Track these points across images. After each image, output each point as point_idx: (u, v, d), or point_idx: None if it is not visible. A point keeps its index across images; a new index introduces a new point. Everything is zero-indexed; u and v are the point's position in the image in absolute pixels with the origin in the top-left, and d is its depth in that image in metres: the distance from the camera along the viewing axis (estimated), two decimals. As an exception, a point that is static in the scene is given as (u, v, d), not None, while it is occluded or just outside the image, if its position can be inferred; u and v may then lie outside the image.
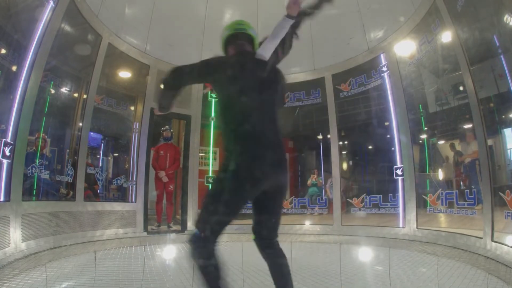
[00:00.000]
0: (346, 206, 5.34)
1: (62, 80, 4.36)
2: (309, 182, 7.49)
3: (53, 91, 4.22)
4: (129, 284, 2.46)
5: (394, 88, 4.73)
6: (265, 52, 1.98)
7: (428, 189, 4.71)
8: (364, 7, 4.84)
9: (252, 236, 1.73)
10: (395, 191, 4.67)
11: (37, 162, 3.83)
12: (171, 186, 5.46)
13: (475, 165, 4.10)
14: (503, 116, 3.97)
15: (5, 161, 3.12)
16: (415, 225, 4.24)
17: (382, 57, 4.95)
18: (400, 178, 4.57)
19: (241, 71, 1.70)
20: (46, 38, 3.51)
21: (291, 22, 1.96)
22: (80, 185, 4.27)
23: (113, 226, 4.59)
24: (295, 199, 5.67)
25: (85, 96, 4.48)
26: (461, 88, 4.82)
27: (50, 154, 4.37)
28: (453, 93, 5.28)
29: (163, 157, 5.40)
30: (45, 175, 3.92)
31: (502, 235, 3.02)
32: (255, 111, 1.60)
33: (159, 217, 5.33)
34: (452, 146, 5.26)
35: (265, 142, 1.54)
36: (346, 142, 8.23)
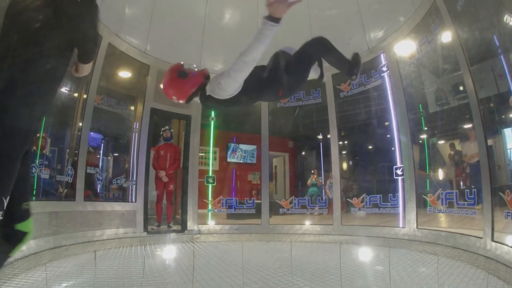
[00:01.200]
0: (346, 206, 5.34)
1: (62, 80, 4.35)
2: (309, 182, 7.50)
3: (53, 91, 4.21)
4: (129, 284, 2.46)
5: (394, 88, 4.73)
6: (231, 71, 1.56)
7: (428, 189, 4.71)
8: (364, 7, 4.84)
9: None
10: (395, 191, 4.67)
11: (37, 162, 3.84)
12: (171, 186, 5.46)
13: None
14: (503, 116, 3.97)
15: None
16: (415, 225, 4.24)
17: (382, 57, 4.95)
18: (400, 178, 4.57)
19: None
20: (46, 38, 3.51)
21: (274, 27, 1.47)
22: (80, 185, 4.27)
23: (113, 226, 4.59)
24: (295, 199, 5.67)
25: (85, 96, 4.48)
26: (461, 88, 4.82)
27: (50, 154, 4.37)
28: (453, 93, 5.28)
29: (163, 157, 5.40)
30: (45, 175, 3.93)
31: (502, 235, 3.02)
32: None
33: (159, 217, 5.33)
34: (452, 146, 5.25)
35: None
36: (346, 142, 8.23)
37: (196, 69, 1.81)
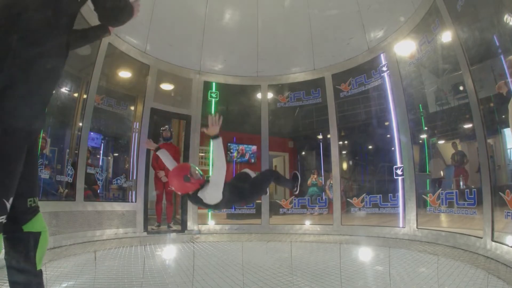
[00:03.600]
0: (346, 206, 5.34)
1: (62, 80, 4.36)
2: (309, 182, 7.49)
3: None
4: (129, 284, 2.46)
5: (394, 88, 4.73)
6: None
7: (428, 189, 4.71)
8: (364, 7, 4.84)
9: None
10: (395, 191, 4.67)
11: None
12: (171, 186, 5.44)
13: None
14: (503, 116, 3.97)
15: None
16: (415, 225, 4.24)
17: (382, 57, 4.95)
18: (400, 178, 4.57)
19: None
20: (46, 38, 3.51)
21: (215, 141, 2.18)
22: (80, 185, 4.27)
23: (113, 226, 4.59)
24: (295, 199, 5.67)
25: (85, 96, 4.48)
26: (461, 88, 4.82)
27: (50, 154, 4.37)
28: (453, 93, 5.28)
29: (163, 157, 5.39)
30: (45, 175, 3.93)
31: (502, 235, 3.02)
32: None
33: (159, 217, 5.33)
34: (454, 146, 5.25)
35: None
36: (346, 142, 8.23)
37: (198, 175, 2.38)
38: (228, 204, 2.54)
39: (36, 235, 1.27)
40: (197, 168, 2.42)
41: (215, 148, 2.22)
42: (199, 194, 2.30)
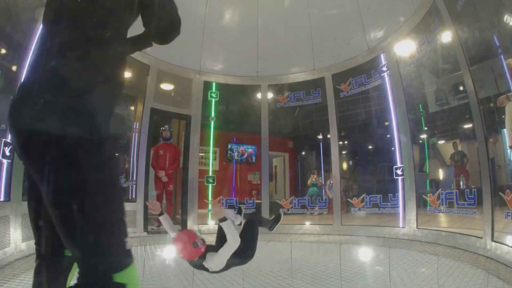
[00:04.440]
0: (346, 206, 5.34)
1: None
2: (309, 182, 7.49)
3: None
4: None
5: (394, 88, 4.73)
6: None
7: (428, 189, 4.71)
8: (364, 7, 4.84)
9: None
10: (395, 191, 4.67)
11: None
12: (171, 186, 5.45)
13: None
14: (503, 116, 3.98)
15: (5, 161, 3.12)
16: (415, 225, 4.24)
17: (382, 57, 4.94)
18: (400, 178, 4.57)
19: None
20: (46, 38, 3.51)
21: (224, 223, 2.43)
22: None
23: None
24: (295, 199, 5.67)
25: (85, 96, 4.47)
26: (461, 88, 4.82)
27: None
28: (453, 93, 5.29)
29: (163, 157, 5.39)
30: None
31: (502, 235, 3.02)
32: None
33: (159, 217, 5.32)
34: (454, 146, 5.25)
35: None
36: (346, 142, 8.24)
37: (202, 241, 2.51)
38: (229, 268, 2.70)
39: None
40: (199, 234, 2.58)
41: (226, 230, 2.44)
42: (205, 264, 2.47)
